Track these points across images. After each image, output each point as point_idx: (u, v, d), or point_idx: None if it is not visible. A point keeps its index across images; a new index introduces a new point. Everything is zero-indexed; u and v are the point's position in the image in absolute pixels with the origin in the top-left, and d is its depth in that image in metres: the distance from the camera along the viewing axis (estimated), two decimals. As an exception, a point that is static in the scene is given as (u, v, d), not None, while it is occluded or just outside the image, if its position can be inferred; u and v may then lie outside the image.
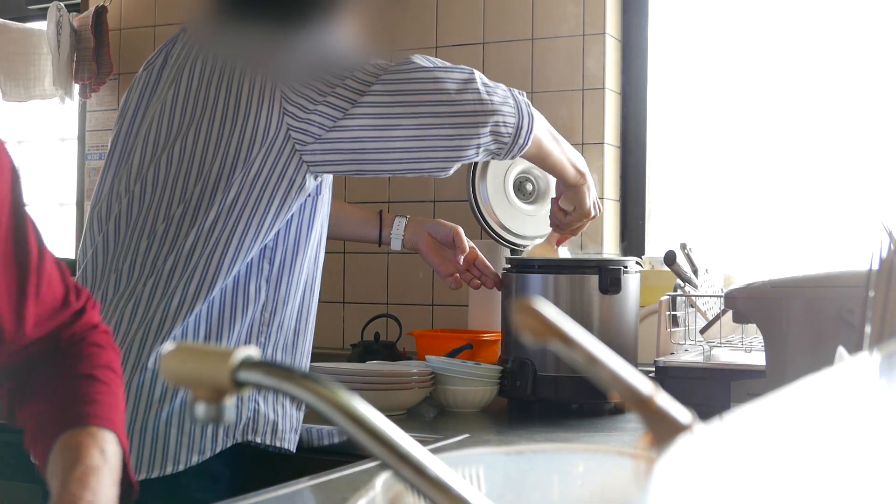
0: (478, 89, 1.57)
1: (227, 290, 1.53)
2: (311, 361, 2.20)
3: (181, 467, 1.48)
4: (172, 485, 1.48)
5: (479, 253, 2.05)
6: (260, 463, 1.67)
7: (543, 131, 1.71)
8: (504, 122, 1.59)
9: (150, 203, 1.53)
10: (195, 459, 1.49)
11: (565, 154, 1.80)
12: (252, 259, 1.55)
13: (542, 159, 1.76)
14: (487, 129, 1.57)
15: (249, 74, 1.52)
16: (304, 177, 1.54)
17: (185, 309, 1.50)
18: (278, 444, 1.58)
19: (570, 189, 1.87)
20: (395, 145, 1.53)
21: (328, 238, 2.22)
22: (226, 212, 1.51)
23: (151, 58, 1.66)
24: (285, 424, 1.60)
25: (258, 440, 1.55)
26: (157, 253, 1.51)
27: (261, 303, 1.56)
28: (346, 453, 1.64)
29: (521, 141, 1.64)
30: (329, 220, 2.07)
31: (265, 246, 1.56)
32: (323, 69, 1.51)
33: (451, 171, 1.62)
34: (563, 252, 2.12)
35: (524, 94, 1.67)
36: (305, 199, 1.59)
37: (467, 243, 2.02)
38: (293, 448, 1.62)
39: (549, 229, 2.24)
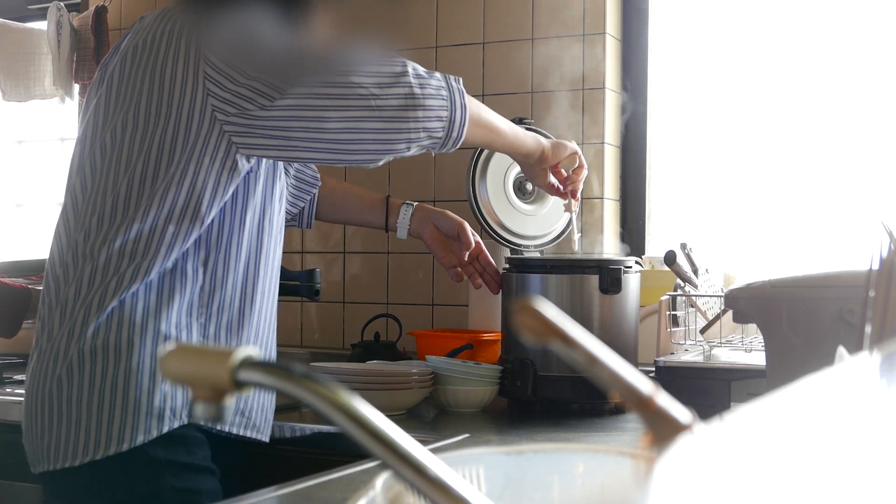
0: (409, 83, 1.55)
1: (165, 271, 1.53)
2: (312, 361, 2.21)
3: (125, 446, 1.46)
4: (128, 464, 1.47)
5: (484, 248, 2.05)
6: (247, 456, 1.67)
7: (484, 117, 1.70)
8: (437, 117, 1.59)
9: (90, 195, 1.55)
10: (140, 439, 1.47)
11: (514, 132, 1.80)
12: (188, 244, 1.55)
13: (490, 143, 1.77)
14: (419, 124, 1.57)
15: (172, 55, 1.52)
16: (235, 159, 1.54)
17: (120, 290, 1.50)
18: (220, 428, 1.57)
19: (540, 160, 1.88)
20: (323, 136, 1.52)
21: (336, 222, 2.22)
22: (158, 203, 1.51)
23: (107, 57, 1.66)
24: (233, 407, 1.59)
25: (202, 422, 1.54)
26: (94, 242, 1.52)
27: (198, 284, 1.56)
28: (347, 453, 1.64)
29: (454, 134, 1.63)
30: (335, 204, 2.05)
31: None
32: (251, 51, 1.50)
33: (382, 163, 1.62)
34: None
35: (460, 80, 1.65)
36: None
37: (472, 239, 2.02)
38: (240, 432, 1.60)
39: (551, 228, 2.25)
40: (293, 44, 1.54)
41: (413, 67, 1.58)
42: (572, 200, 1.98)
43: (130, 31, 1.63)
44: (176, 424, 1.50)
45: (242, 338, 1.61)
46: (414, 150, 1.61)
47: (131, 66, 1.55)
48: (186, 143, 1.51)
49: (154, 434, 1.48)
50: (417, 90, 1.56)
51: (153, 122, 1.51)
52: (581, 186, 1.98)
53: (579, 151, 1.93)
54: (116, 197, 1.52)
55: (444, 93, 1.60)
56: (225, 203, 1.57)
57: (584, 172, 1.96)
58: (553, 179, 1.94)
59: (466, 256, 2.01)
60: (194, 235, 1.54)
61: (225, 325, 1.59)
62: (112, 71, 1.58)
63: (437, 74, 1.61)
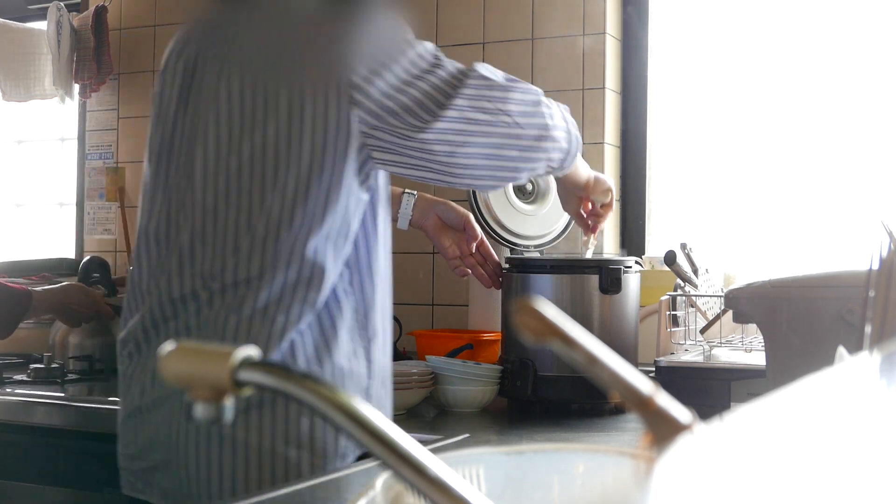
0: (543, 113, 1.53)
1: (322, 302, 1.43)
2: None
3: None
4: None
5: (486, 241, 2.03)
6: None
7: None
8: (560, 148, 1.57)
9: (227, 215, 1.42)
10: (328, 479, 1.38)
11: (581, 161, 1.79)
12: None
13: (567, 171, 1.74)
14: (546, 154, 1.55)
15: (309, 69, 1.42)
16: (369, 174, 1.46)
17: (289, 328, 1.39)
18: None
19: (582, 188, 1.86)
20: (460, 161, 1.47)
21: None
22: (310, 227, 1.40)
23: (178, 49, 1.51)
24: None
25: None
26: (247, 272, 1.40)
27: (351, 308, 1.46)
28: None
29: (566, 164, 1.62)
30: None
31: None
32: (389, 61, 1.42)
33: (499, 189, 1.58)
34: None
35: (568, 109, 1.64)
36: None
37: (479, 231, 2.00)
38: None
39: (551, 228, 2.24)
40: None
41: (542, 97, 1.55)
42: (591, 237, 1.97)
43: (196, 31, 1.51)
44: (354, 457, 1.44)
45: (389, 357, 1.53)
46: (529, 178, 1.58)
47: (262, 73, 1.43)
48: (335, 156, 1.41)
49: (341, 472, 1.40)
50: (549, 121, 1.53)
51: (296, 138, 1.40)
52: (602, 226, 1.95)
53: (614, 190, 1.91)
54: (268, 218, 1.40)
55: (564, 125, 1.58)
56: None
57: (610, 212, 1.94)
58: (582, 210, 1.93)
59: (474, 248, 2.00)
60: (345, 255, 1.45)
61: (381, 348, 1.50)
62: (229, 77, 1.44)
63: (554, 105, 1.58)
